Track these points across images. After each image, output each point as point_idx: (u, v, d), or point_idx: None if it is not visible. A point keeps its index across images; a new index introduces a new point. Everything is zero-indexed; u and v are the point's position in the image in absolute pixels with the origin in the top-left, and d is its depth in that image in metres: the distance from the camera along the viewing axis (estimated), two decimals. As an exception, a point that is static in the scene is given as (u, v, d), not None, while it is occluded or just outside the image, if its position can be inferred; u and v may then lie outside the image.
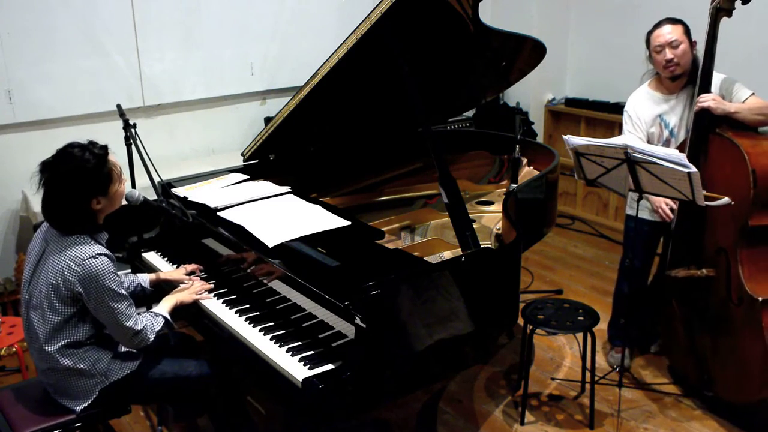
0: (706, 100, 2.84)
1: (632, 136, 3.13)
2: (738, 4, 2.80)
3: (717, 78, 2.99)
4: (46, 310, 2.27)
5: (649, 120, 3.15)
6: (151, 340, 2.37)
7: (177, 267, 2.87)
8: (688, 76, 3.08)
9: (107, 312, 2.27)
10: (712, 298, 2.94)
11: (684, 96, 3.11)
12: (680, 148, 2.94)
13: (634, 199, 3.25)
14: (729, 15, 2.82)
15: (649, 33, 3.08)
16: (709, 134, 2.88)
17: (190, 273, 2.78)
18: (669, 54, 3.01)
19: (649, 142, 3.15)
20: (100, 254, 2.25)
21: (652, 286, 3.34)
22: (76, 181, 2.24)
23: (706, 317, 2.99)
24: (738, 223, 2.79)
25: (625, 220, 3.46)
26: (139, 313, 2.38)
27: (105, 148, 2.33)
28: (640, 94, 3.21)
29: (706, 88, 2.89)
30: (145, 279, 2.72)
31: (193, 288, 2.63)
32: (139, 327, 2.33)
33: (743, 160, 2.74)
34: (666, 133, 3.14)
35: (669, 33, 3.00)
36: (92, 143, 2.32)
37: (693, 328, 3.07)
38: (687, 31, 3.03)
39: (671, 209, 3.02)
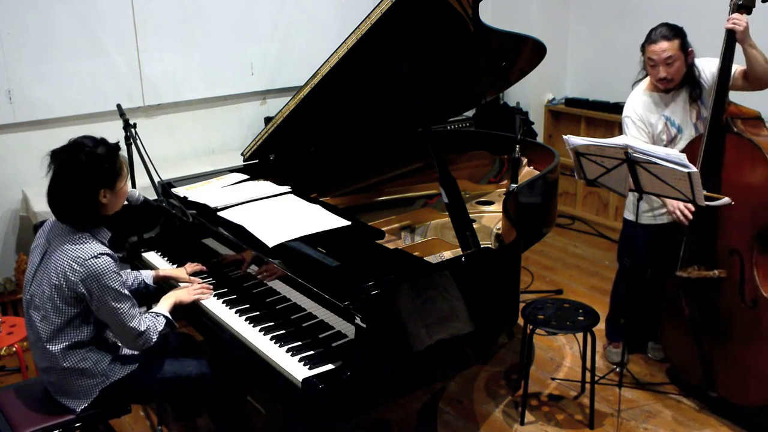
0: (741, 24, 2.75)
1: (636, 141, 3.10)
2: (758, 2, 2.78)
3: (715, 63, 2.95)
4: (49, 311, 2.27)
5: (655, 121, 3.12)
6: (154, 340, 2.36)
7: (177, 267, 2.87)
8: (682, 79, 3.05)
9: (110, 312, 2.27)
10: (722, 300, 2.92)
11: (683, 92, 3.09)
12: (694, 144, 2.92)
13: (633, 203, 3.26)
14: (749, 12, 2.78)
15: (645, 43, 3.02)
16: (726, 134, 2.84)
17: (194, 273, 2.78)
18: (663, 72, 2.98)
19: (656, 142, 3.12)
20: (102, 254, 2.25)
21: (651, 286, 3.34)
22: (88, 171, 2.23)
23: (714, 318, 2.97)
24: (758, 226, 2.76)
25: (623, 224, 3.43)
26: (140, 313, 2.38)
27: (117, 145, 2.35)
28: (641, 98, 3.16)
29: (723, 89, 2.83)
30: (148, 276, 2.71)
31: (192, 288, 2.63)
32: (142, 328, 2.32)
33: (766, 162, 2.70)
34: (674, 130, 3.12)
35: (664, 51, 2.95)
36: (103, 139, 2.33)
37: (700, 329, 3.05)
38: (683, 44, 2.98)
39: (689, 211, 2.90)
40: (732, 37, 2.80)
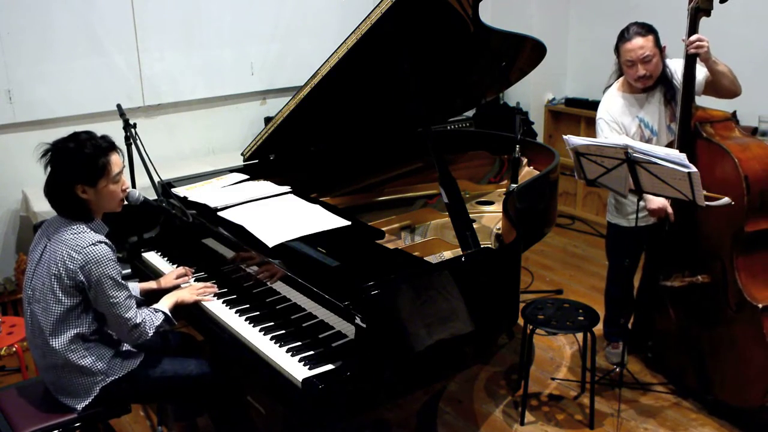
0: (704, 46, 2.75)
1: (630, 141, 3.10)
2: (716, 3, 2.76)
3: (679, 63, 2.95)
4: (49, 301, 2.28)
5: (628, 123, 3.10)
6: (149, 335, 2.37)
7: (177, 267, 2.86)
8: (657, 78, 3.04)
9: (106, 301, 2.27)
10: (708, 304, 2.93)
11: (657, 92, 3.08)
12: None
13: (615, 206, 3.27)
14: (708, 15, 2.77)
15: (619, 44, 3.01)
16: (696, 139, 2.85)
17: (181, 276, 2.75)
18: (641, 70, 2.97)
19: None
20: (100, 242, 2.28)
21: (644, 288, 3.33)
22: (66, 163, 2.27)
23: (702, 323, 2.98)
24: (733, 229, 2.76)
25: (607, 228, 3.42)
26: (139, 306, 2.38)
27: (111, 144, 2.35)
28: (615, 99, 3.13)
29: (689, 94, 2.83)
30: (135, 288, 2.68)
31: (194, 288, 2.63)
32: (138, 320, 2.33)
33: (735, 166, 2.71)
34: (647, 132, 3.11)
35: (641, 48, 2.93)
36: (103, 136, 2.34)
37: (690, 333, 3.06)
38: (657, 40, 2.97)
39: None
40: (693, 60, 2.80)
